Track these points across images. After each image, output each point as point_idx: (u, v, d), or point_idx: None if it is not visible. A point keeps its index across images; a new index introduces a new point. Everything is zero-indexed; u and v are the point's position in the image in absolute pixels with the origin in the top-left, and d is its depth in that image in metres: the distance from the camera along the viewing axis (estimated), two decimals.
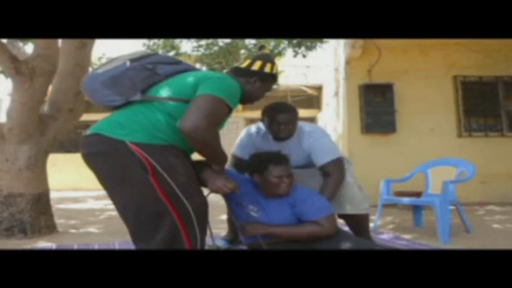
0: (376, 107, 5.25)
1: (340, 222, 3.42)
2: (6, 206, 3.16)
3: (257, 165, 1.81)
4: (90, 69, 3.71)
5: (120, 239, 2.96)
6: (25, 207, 3.17)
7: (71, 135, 9.10)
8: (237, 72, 1.62)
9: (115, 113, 1.44)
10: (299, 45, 6.72)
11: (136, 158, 1.29)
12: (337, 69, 6.27)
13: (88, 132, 1.41)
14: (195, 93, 1.37)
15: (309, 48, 6.74)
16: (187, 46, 13.00)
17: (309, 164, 2.26)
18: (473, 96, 5.51)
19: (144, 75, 1.43)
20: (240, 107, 9.78)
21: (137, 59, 1.48)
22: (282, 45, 7.25)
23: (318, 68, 9.33)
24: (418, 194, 3.71)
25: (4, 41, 3.41)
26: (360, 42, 5.14)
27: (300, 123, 2.30)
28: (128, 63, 1.45)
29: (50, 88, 3.46)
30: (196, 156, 1.50)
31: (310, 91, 9.08)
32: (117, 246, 2.74)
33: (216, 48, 7.38)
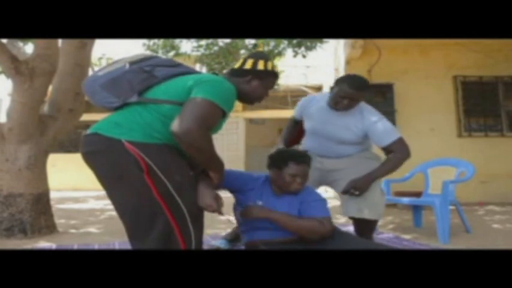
0: (376, 107, 5.17)
1: (340, 222, 3.41)
2: (6, 206, 3.16)
3: (278, 160, 1.85)
4: (90, 70, 3.72)
5: (120, 239, 2.96)
6: (25, 207, 3.17)
7: (71, 135, 9.11)
8: (233, 73, 1.61)
9: (113, 113, 1.46)
10: (299, 46, 6.72)
11: (132, 157, 1.31)
12: (337, 69, 6.28)
13: (87, 131, 1.44)
14: (189, 96, 1.37)
15: (309, 49, 6.75)
16: (187, 46, 13.02)
17: (354, 141, 2.29)
18: (473, 96, 5.51)
19: (141, 78, 1.45)
20: (240, 107, 9.80)
21: (137, 62, 1.50)
22: (281, 46, 7.25)
23: (317, 68, 9.34)
24: (418, 194, 3.71)
25: (4, 41, 3.42)
26: (360, 42, 5.14)
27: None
28: (127, 66, 1.47)
29: (50, 88, 3.46)
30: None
31: (310, 91, 9.08)
32: (117, 246, 2.74)
33: (216, 48, 7.38)
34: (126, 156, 1.31)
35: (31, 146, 3.25)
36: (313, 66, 9.49)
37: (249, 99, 1.61)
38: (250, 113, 9.97)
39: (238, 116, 9.79)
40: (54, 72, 3.30)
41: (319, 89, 9.47)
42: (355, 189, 2.19)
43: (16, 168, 3.20)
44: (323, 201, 1.91)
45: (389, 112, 5.25)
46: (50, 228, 3.34)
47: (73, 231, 3.57)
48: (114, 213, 5.07)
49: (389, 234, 3.16)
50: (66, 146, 9.69)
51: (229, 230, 2.75)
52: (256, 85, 1.58)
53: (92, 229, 3.68)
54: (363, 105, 2.34)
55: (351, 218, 2.34)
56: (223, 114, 1.42)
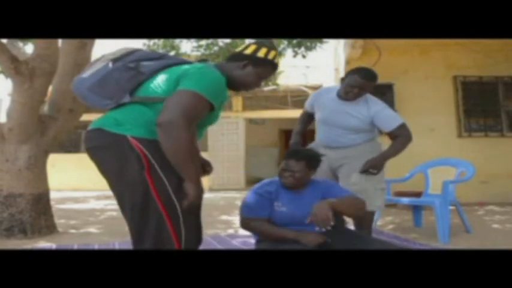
0: None
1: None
2: (6, 206, 3.16)
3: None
4: None
5: (120, 239, 2.96)
6: (25, 208, 3.17)
7: (71, 135, 9.09)
8: (231, 57, 1.57)
9: (114, 109, 1.43)
10: (299, 46, 6.72)
11: (135, 153, 1.31)
12: (337, 69, 6.28)
13: (90, 127, 1.42)
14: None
15: (309, 49, 6.75)
16: (187, 46, 13.01)
17: (362, 128, 2.49)
18: (473, 97, 5.51)
19: (128, 76, 1.42)
20: (240, 107, 9.80)
21: (119, 58, 1.46)
22: (281, 46, 7.25)
23: (317, 68, 9.34)
24: (418, 194, 3.71)
25: (4, 41, 3.42)
26: (359, 42, 5.14)
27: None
28: (111, 64, 1.44)
29: (50, 88, 3.46)
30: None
31: (310, 91, 9.07)
32: (117, 246, 2.74)
33: (216, 48, 7.38)
34: (129, 152, 1.31)
35: (31, 146, 3.25)
36: (313, 67, 9.48)
37: (238, 85, 1.55)
38: (250, 113, 9.97)
39: (238, 116, 9.78)
40: (54, 72, 3.30)
41: (319, 89, 9.46)
42: (372, 167, 2.41)
43: (16, 169, 3.20)
44: (338, 184, 2.10)
45: None
46: (50, 228, 3.34)
47: (73, 231, 3.57)
48: (114, 213, 5.09)
49: (389, 234, 3.16)
50: (66, 146, 9.69)
51: (230, 230, 2.75)
52: (250, 71, 1.52)
53: (92, 229, 3.68)
54: (369, 96, 2.53)
55: None
56: (212, 108, 1.38)
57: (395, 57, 5.41)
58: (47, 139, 3.39)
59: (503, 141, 5.43)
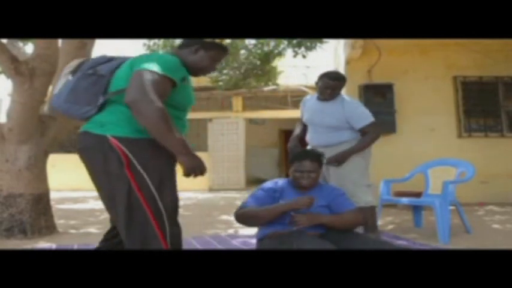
0: (376, 107, 5.20)
1: None
2: (6, 206, 3.16)
3: (290, 159, 2.13)
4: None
5: None
6: (25, 208, 3.17)
7: (71, 135, 9.06)
8: (181, 45, 1.65)
9: (99, 113, 1.50)
10: (299, 46, 6.71)
11: (116, 152, 1.36)
12: (337, 69, 6.28)
13: (80, 130, 1.51)
14: None
15: (309, 49, 6.73)
16: None
17: (339, 126, 2.72)
18: (473, 97, 5.50)
19: (92, 81, 1.49)
20: (240, 107, 9.80)
21: (75, 70, 1.54)
22: (282, 46, 7.24)
23: (318, 69, 9.33)
24: (418, 194, 3.70)
25: (4, 41, 3.42)
26: (359, 42, 5.13)
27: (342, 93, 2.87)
28: (71, 77, 1.52)
29: (50, 88, 3.46)
30: None
31: (310, 91, 9.07)
32: None
33: None
34: (109, 151, 1.37)
35: (31, 147, 3.25)
36: (313, 67, 9.48)
37: (195, 70, 1.63)
38: (250, 113, 9.96)
39: (238, 116, 9.78)
40: (54, 72, 3.30)
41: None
42: (335, 160, 2.66)
43: (16, 169, 3.20)
44: (344, 193, 2.15)
45: (389, 112, 5.25)
46: (49, 228, 3.34)
47: (73, 231, 3.57)
48: None
49: (390, 234, 3.16)
50: (66, 146, 9.68)
51: (230, 230, 2.75)
52: (203, 55, 1.61)
53: (92, 229, 3.68)
54: (344, 96, 2.83)
55: None
56: (174, 83, 1.43)
57: (395, 57, 5.41)
58: (47, 139, 3.39)
59: (503, 141, 5.43)
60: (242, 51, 7.57)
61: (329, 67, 7.35)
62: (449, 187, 2.95)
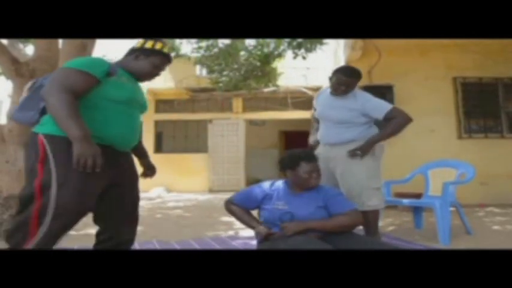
0: None
1: None
2: (6, 207, 3.15)
3: (290, 162, 2.07)
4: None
5: None
6: None
7: None
8: (125, 54, 1.77)
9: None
10: (299, 47, 6.71)
11: (37, 146, 1.45)
12: None
13: None
14: None
15: (309, 50, 6.74)
16: (187, 48, 13.04)
17: (350, 121, 2.62)
18: (473, 98, 5.51)
19: (37, 92, 1.62)
20: (240, 108, 9.81)
21: (31, 87, 1.68)
22: (281, 47, 7.25)
23: (317, 70, 9.33)
24: (418, 196, 3.70)
25: (5, 42, 3.42)
26: (359, 43, 5.14)
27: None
28: (25, 94, 1.67)
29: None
30: None
31: (310, 92, 9.07)
32: None
33: (215, 50, 7.39)
34: (35, 146, 1.46)
35: None
36: (313, 68, 9.48)
37: (138, 75, 1.74)
38: (250, 114, 9.97)
39: (238, 118, 9.79)
40: None
41: (319, 90, 9.46)
42: (360, 150, 2.52)
43: (16, 170, 3.20)
44: (341, 194, 2.15)
45: None
46: None
47: (73, 232, 3.56)
48: None
49: (390, 235, 3.15)
50: None
51: (230, 232, 2.75)
52: (143, 62, 1.71)
53: (92, 231, 3.66)
54: (357, 90, 2.73)
55: None
56: (94, 78, 1.51)
57: (395, 58, 5.42)
58: None
59: (503, 142, 5.43)
60: (242, 53, 7.58)
61: (329, 68, 7.36)
62: (449, 188, 2.95)
